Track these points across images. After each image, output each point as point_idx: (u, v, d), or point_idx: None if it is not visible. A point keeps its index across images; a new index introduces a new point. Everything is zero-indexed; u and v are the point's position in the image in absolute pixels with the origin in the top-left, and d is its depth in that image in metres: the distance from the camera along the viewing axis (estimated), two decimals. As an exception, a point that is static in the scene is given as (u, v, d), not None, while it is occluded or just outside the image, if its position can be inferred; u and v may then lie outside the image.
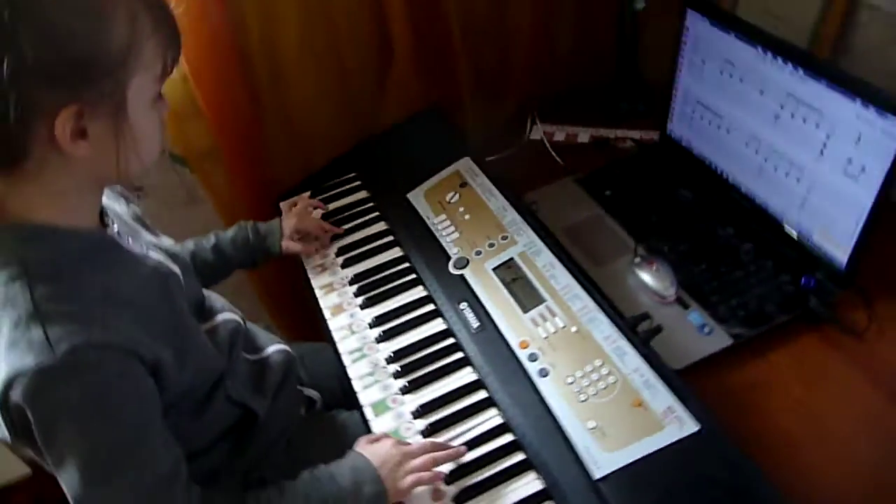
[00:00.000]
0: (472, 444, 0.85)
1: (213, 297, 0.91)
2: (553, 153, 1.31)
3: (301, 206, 1.15)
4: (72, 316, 0.62)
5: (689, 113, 1.19)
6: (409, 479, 0.79)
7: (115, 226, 0.73)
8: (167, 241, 0.85)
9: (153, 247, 0.79)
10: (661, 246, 1.10)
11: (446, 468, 0.82)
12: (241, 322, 0.90)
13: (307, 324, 1.14)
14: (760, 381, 0.93)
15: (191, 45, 1.08)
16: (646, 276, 1.03)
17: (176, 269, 0.79)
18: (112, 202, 0.80)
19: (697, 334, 0.97)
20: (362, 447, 0.83)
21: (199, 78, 1.10)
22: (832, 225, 0.98)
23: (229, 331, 0.85)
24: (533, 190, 1.24)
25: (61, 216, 0.66)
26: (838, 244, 0.98)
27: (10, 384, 0.59)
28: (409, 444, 0.83)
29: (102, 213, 0.73)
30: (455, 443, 0.85)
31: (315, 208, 1.18)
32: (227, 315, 0.87)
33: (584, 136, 1.36)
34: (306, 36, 1.15)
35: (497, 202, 1.09)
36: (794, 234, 1.04)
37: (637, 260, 1.05)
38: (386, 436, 0.85)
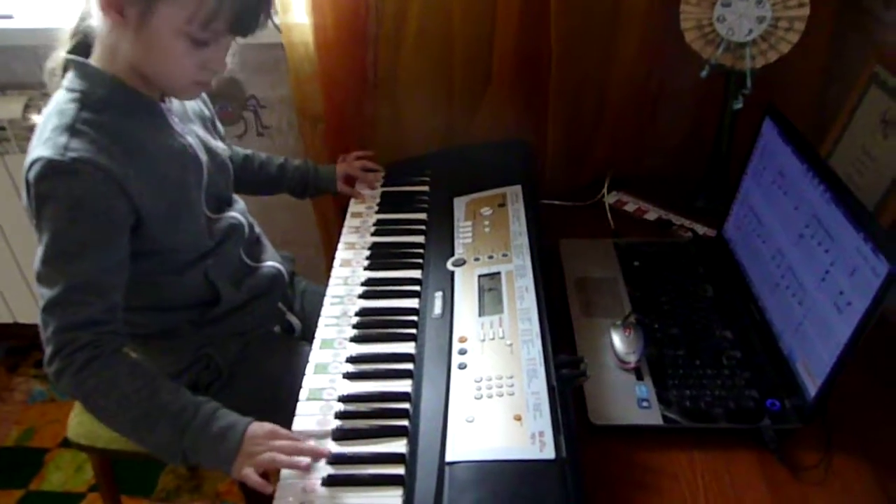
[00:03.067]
0: (375, 398, 0.94)
1: (239, 204, 1.09)
2: (609, 214, 1.36)
3: (349, 155, 1.35)
4: (92, 140, 0.82)
5: (742, 217, 1.19)
6: (246, 470, 0.80)
7: (171, 105, 0.94)
8: (219, 144, 1.05)
9: (195, 136, 0.98)
10: (653, 322, 1.11)
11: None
12: (247, 227, 1.07)
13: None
14: (671, 470, 0.91)
15: (330, 19, 1.30)
16: (616, 338, 1.05)
17: (204, 157, 0.98)
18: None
19: (633, 405, 0.97)
20: (256, 424, 0.84)
21: (324, 50, 1.31)
22: (814, 356, 0.93)
23: (229, 226, 1.03)
24: (573, 238, 1.29)
25: (128, 78, 0.87)
26: (813, 377, 0.93)
27: (31, 165, 0.81)
28: (284, 443, 0.82)
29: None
30: (365, 389, 0.94)
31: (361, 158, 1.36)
32: (235, 215, 1.05)
33: (652, 214, 1.39)
34: (423, 37, 1.32)
35: (518, 227, 1.17)
36: (785, 356, 1.00)
37: (618, 322, 1.07)
38: (276, 431, 0.85)
